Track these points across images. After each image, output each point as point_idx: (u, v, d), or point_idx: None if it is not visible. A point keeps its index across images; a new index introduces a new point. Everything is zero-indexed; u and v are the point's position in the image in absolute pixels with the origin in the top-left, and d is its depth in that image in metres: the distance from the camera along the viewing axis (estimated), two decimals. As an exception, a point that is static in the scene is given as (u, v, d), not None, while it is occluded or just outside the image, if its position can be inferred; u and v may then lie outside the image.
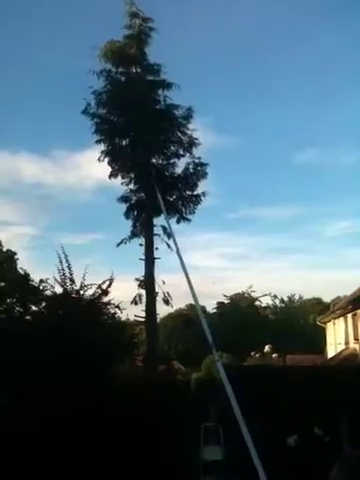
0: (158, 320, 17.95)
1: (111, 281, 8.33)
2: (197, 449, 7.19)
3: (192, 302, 13.79)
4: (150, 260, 8.29)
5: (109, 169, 9.19)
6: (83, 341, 7.11)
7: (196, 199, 9.35)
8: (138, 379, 8.85)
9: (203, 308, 30.42)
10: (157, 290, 8.05)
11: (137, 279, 8.16)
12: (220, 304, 29.17)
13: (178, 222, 9.30)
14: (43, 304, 8.32)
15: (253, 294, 28.74)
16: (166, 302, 8.37)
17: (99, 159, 9.10)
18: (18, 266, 12.96)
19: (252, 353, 16.26)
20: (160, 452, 6.36)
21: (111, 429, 6.17)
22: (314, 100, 38.43)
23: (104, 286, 8.29)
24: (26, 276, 10.35)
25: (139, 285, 8.09)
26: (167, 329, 28.57)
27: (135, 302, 8.10)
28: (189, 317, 28.90)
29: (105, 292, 8.29)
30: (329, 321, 20.07)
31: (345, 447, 2.97)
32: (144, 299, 8.08)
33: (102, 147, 9.22)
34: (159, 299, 8.48)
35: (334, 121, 40.00)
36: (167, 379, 10.44)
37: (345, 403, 7.16)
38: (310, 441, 7.28)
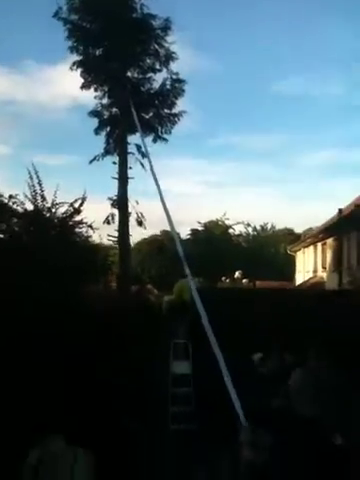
0: (132, 245, 18.00)
1: (83, 200, 8.16)
2: (167, 364, 7.48)
3: (167, 228, 13.83)
4: (124, 179, 8.07)
5: (82, 81, 8.70)
6: (55, 259, 7.04)
7: (173, 118, 9.00)
8: (111, 298, 8.95)
9: (177, 234, 30.61)
10: (130, 210, 7.92)
11: (110, 198, 7.99)
12: (194, 231, 29.47)
13: (154, 141, 9.01)
14: (14, 221, 8.12)
15: (227, 222, 29.06)
16: (139, 223, 8.29)
17: (71, 68, 8.57)
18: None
19: (223, 278, 16.59)
20: (131, 369, 6.52)
21: (81, 346, 6.24)
22: (299, 26, 36.88)
23: (76, 205, 8.14)
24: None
25: (112, 205, 7.94)
26: (141, 254, 28.86)
27: (108, 222, 8.00)
28: (163, 243, 29.17)
29: (77, 211, 8.13)
30: (299, 250, 20.54)
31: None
32: (117, 219, 7.95)
33: (75, 57, 8.66)
34: (132, 220, 8.40)
35: (320, 49, 38.77)
36: (139, 299, 10.62)
37: (311, 328, 7.46)
38: (274, 359, 7.61)
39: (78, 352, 5.94)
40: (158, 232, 30.00)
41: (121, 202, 7.85)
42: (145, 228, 8.32)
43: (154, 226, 29.47)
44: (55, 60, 38.10)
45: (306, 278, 17.90)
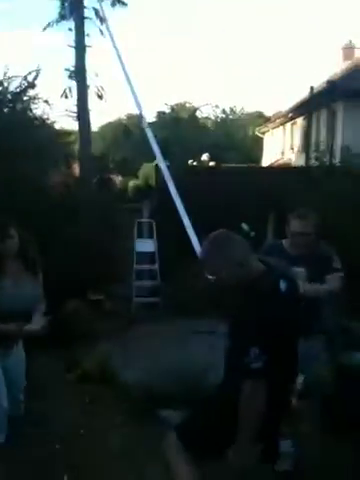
0: (96, 130, 17.17)
1: (38, 72, 7.59)
2: (132, 241, 7.62)
3: (132, 112, 13.16)
4: (81, 47, 7.43)
5: None
6: (12, 139, 6.67)
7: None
8: (74, 181, 8.76)
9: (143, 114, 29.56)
10: (89, 83, 7.40)
11: (67, 69, 7.42)
12: (160, 113, 28.46)
13: (113, 5, 8.22)
14: None
15: (194, 104, 28.05)
16: (100, 97, 7.83)
17: None
18: None
19: (190, 161, 16.42)
20: (89, 243, 6.52)
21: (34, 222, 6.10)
22: None
23: (30, 78, 7.59)
24: None
25: (69, 76, 7.39)
26: (105, 140, 27.99)
27: (65, 96, 7.51)
28: (128, 128, 28.24)
29: (31, 85, 7.60)
30: (268, 131, 20.25)
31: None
32: (75, 92, 7.45)
33: None
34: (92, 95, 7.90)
35: None
36: (104, 184, 10.46)
37: (271, 202, 7.57)
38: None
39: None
40: (123, 116, 28.90)
41: (79, 74, 7.29)
42: (105, 100, 7.88)
43: (118, 109, 28.26)
44: None
45: (273, 160, 17.86)
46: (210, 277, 2.08)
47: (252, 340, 1.90)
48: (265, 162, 19.55)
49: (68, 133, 9.01)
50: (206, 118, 29.49)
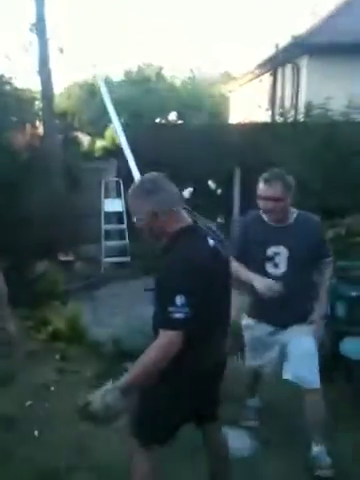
0: (62, 90, 16.60)
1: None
2: (99, 201, 7.55)
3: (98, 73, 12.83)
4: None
5: None
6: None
7: None
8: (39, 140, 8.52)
9: (108, 78, 28.92)
10: (49, 36, 7.10)
11: (29, 23, 7.09)
12: (127, 73, 27.70)
13: None
14: None
15: (161, 64, 27.39)
16: (61, 50, 7.58)
17: None
18: None
19: (157, 120, 16.15)
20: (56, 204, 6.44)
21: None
22: None
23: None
24: None
25: (30, 30, 7.09)
26: (71, 99, 27.17)
27: (25, 50, 7.23)
28: (93, 86, 27.45)
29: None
30: (234, 90, 20.04)
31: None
32: (36, 47, 7.15)
33: None
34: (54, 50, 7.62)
35: None
36: (70, 143, 10.19)
37: (237, 158, 7.60)
38: (204, 193, 7.86)
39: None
40: (90, 77, 27.97)
41: (39, 24, 6.97)
42: (63, 52, 7.57)
43: (85, 70, 27.31)
44: None
45: (241, 119, 17.73)
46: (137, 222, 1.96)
47: (178, 286, 1.76)
48: (232, 121, 19.40)
49: (31, 91, 8.71)
50: (173, 77, 28.89)
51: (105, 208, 7.62)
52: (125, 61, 38.79)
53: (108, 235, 7.63)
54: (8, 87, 8.04)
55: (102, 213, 7.57)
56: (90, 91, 27.13)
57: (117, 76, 28.48)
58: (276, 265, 2.69)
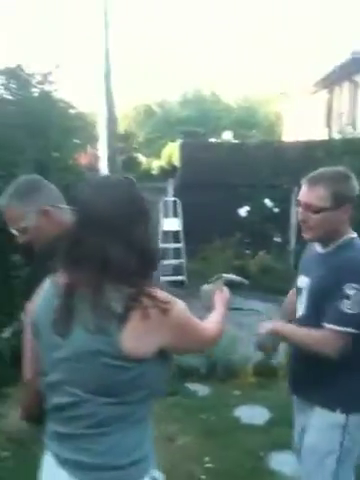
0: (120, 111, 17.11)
1: (63, 58, 7.71)
2: (157, 220, 7.75)
3: (157, 94, 13.08)
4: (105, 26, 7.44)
5: None
6: (40, 115, 6.79)
7: None
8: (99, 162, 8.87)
9: (164, 100, 29.61)
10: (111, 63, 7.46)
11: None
12: (184, 93, 28.29)
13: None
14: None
15: (216, 83, 27.75)
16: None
17: None
18: None
19: (212, 139, 16.34)
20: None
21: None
22: None
23: (56, 62, 7.70)
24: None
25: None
26: (128, 121, 28.02)
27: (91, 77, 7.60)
28: (150, 108, 28.18)
29: (57, 66, 7.70)
30: (290, 108, 19.97)
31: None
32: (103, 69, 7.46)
33: None
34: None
35: None
36: (131, 164, 10.56)
37: (293, 175, 7.58)
38: (260, 212, 7.90)
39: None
40: (146, 99, 28.82)
41: (105, 54, 7.32)
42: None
43: (139, 89, 28.20)
44: None
45: (296, 137, 17.64)
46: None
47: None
48: (287, 138, 19.31)
49: (93, 114, 9.13)
50: (228, 96, 29.17)
51: (163, 227, 7.79)
52: (181, 82, 39.56)
53: (164, 254, 7.79)
54: (72, 111, 8.48)
55: (159, 232, 7.75)
56: (146, 112, 27.96)
57: (173, 97, 29.25)
58: (300, 303, 1.95)
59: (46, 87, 7.68)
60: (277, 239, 7.90)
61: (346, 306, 1.70)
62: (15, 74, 7.27)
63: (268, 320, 2.05)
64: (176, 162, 13.21)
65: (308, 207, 1.78)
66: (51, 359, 1.26)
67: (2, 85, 7.50)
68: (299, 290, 1.95)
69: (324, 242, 1.86)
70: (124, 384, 1.19)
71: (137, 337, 1.16)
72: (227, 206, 7.75)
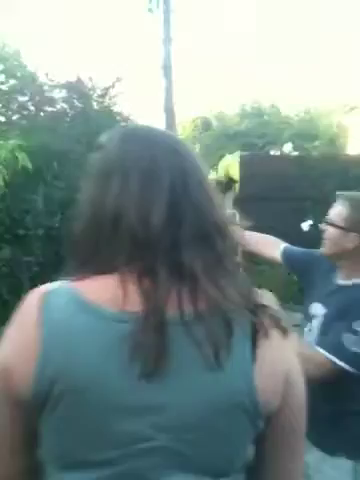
0: (178, 124, 17.33)
1: (123, 70, 7.86)
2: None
3: (214, 106, 13.10)
4: (167, 41, 7.56)
5: None
6: (100, 129, 6.94)
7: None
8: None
9: (223, 112, 29.68)
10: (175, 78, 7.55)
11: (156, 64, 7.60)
12: (243, 105, 28.19)
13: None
14: (57, 91, 8.00)
15: (276, 94, 27.43)
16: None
17: None
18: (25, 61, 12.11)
19: (272, 152, 16.13)
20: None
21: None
22: None
23: (117, 74, 7.89)
24: (35, 73, 9.73)
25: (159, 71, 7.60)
26: (185, 133, 28.26)
27: (153, 91, 7.72)
28: (208, 120, 28.32)
29: (118, 80, 7.89)
30: (353, 121, 19.39)
31: None
32: (163, 86, 7.62)
33: None
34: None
35: None
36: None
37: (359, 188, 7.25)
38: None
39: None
40: (205, 111, 28.98)
41: (166, 68, 7.43)
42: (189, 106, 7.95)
43: (197, 104, 28.39)
44: None
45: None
46: None
47: None
48: (351, 152, 18.72)
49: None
50: (288, 108, 28.76)
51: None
52: (240, 94, 39.53)
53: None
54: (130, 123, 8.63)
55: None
56: (204, 124, 28.07)
57: (232, 109, 29.16)
58: (309, 330, 1.85)
59: (106, 100, 7.90)
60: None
61: (349, 341, 1.60)
62: (76, 88, 7.54)
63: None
64: (233, 175, 13.07)
65: (329, 223, 1.89)
66: (123, 434, 0.71)
67: (63, 98, 7.79)
68: (309, 316, 1.87)
69: (342, 269, 1.85)
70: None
71: (266, 375, 0.76)
72: (288, 220, 7.52)
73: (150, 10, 8.13)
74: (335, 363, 1.58)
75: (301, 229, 7.72)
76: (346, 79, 43.82)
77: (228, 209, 7.94)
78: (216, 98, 44.13)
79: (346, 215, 1.81)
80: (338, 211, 1.84)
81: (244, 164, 8.42)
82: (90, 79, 7.71)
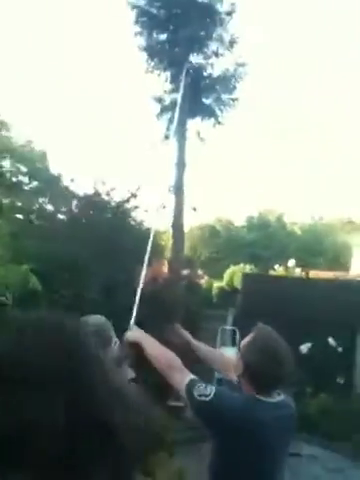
0: (185, 231, 17.99)
1: (140, 185, 8.40)
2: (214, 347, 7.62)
3: (220, 215, 13.70)
4: (181, 165, 8.19)
5: (144, 65, 8.88)
6: (114, 242, 7.29)
7: (234, 102, 9.00)
8: (163, 281, 9.14)
9: (230, 222, 30.75)
10: (185, 197, 8.06)
11: (166, 185, 8.16)
12: (249, 218, 29.23)
13: (214, 126, 9.11)
14: (74, 203, 8.50)
15: (282, 209, 28.60)
16: (194, 209, 8.44)
17: (136, 53, 8.78)
18: (50, 166, 12.85)
19: (276, 266, 16.45)
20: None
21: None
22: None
23: (133, 190, 8.40)
24: (58, 177, 10.35)
25: (169, 190, 8.11)
26: (193, 239, 29.00)
27: (163, 206, 8.19)
28: (215, 229, 29.18)
29: (134, 195, 8.40)
30: (357, 239, 19.96)
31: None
32: (173, 204, 8.12)
33: (139, 40, 8.81)
34: (187, 207, 8.54)
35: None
36: (191, 282, 10.75)
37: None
38: (323, 350, 7.59)
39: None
40: (212, 218, 30.00)
41: (177, 188, 7.98)
42: (197, 211, 8.42)
43: (206, 211, 29.47)
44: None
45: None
46: None
47: None
48: (355, 271, 19.05)
49: (160, 232, 9.64)
50: (293, 223, 29.77)
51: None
52: (247, 205, 41.06)
53: (219, 384, 7.54)
54: (143, 233, 9.02)
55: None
56: (211, 233, 28.92)
57: (239, 221, 30.22)
58: None
59: (120, 210, 8.34)
60: (340, 381, 7.51)
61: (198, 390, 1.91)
62: (91, 202, 7.99)
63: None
64: (237, 285, 13.28)
65: None
66: None
67: (77, 209, 8.22)
68: None
69: None
70: None
71: None
72: (287, 341, 7.54)
73: (167, 137, 8.90)
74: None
75: (299, 351, 7.73)
76: (353, 192, 45.56)
77: (228, 326, 7.95)
78: (224, 205, 45.93)
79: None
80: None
81: (247, 284, 8.72)
82: (107, 194, 8.20)
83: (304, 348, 7.66)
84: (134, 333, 2.27)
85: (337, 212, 32.06)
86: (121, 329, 2.31)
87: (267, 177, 44.08)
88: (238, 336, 7.77)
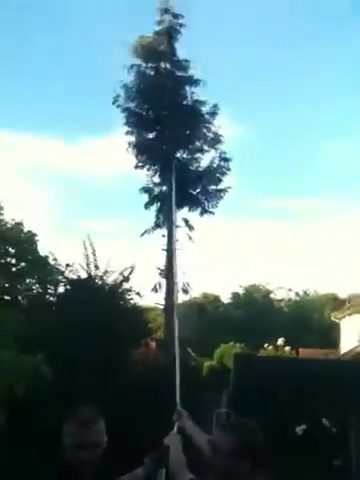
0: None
1: (132, 269, 8.74)
2: (210, 433, 7.54)
3: (207, 291, 14.01)
4: (171, 251, 8.64)
5: (134, 160, 9.61)
6: (106, 328, 7.48)
7: (219, 193, 9.67)
8: (153, 364, 9.21)
9: (217, 298, 30.93)
10: (176, 281, 8.42)
11: (158, 268, 8.55)
12: (235, 295, 29.45)
13: (201, 215, 9.70)
14: (68, 287, 8.76)
15: (268, 287, 28.96)
16: (185, 291, 8.76)
17: (127, 150, 9.53)
18: (38, 247, 12.87)
19: (265, 345, 16.51)
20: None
21: (125, 415, 6.47)
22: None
23: (126, 273, 8.73)
24: (45, 257, 10.51)
25: (160, 274, 8.48)
26: (180, 316, 28.83)
27: (155, 290, 8.52)
28: (203, 306, 29.20)
29: (126, 279, 8.71)
30: (344, 317, 20.22)
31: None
32: (164, 287, 8.46)
33: (129, 138, 9.59)
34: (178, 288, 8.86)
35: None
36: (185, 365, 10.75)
37: (354, 398, 7.44)
38: (318, 432, 7.58)
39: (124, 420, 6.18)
40: (198, 295, 30.16)
41: (168, 272, 8.37)
42: (190, 296, 8.77)
43: (194, 289, 29.59)
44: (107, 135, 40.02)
45: (352, 347, 17.49)
46: None
47: None
48: (344, 347, 19.14)
49: (151, 311, 9.84)
50: (280, 301, 30.05)
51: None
52: (233, 281, 41.39)
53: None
54: (137, 315, 9.21)
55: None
56: (199, 310, 28.91)
57: (225, 298, 30.42)
58: None
59: (114, 297, 8.59)
60: (337, 463, 7.44)
61: None
62: (85, 286, 8.25)
63: None
64: (227, 364, 13.20)
65: None
66: None
67: (69, 291, 8.45)
68: None
69: None
70: None
71: None
72: (282, 423, 7.56)
73: (158, 225, 9.48)
74: None
75: (295, 432, 7.70)
76: (335, 267, 46.16)
77: (223, 408, 7.96)
78: (211, 282, 46.15)
79: None
80: None
81: (239, 365, 8.78)
82: (101, 278, 8.48)
83: (299, 430, 7.67)
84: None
85: (322, 288, 32.39)
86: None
87: (252, 253, 44.91)
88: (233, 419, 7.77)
